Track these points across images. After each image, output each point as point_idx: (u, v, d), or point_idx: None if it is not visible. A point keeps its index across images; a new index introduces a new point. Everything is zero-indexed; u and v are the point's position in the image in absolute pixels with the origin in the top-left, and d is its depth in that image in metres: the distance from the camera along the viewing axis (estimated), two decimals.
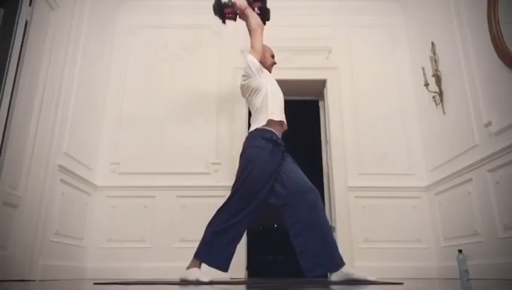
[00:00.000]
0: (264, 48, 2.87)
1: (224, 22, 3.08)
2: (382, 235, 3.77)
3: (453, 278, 3.21)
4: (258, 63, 2.72)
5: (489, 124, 2.92)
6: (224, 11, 2.97)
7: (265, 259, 6.49)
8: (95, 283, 2.23)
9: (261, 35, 2.80)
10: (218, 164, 3.99)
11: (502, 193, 2.79)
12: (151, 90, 4.22)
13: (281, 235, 6.33)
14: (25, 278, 2.76)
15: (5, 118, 2.65)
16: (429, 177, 3.85)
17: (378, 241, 3.75)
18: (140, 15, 4.46)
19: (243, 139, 4.04)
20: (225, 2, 2.95)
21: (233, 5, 2.90)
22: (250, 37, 2.84)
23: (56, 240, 3.12)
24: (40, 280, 2.80)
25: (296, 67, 4.32)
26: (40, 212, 2.93)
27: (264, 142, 2.55)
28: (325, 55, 4.39)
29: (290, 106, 5.36)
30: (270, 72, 2.95)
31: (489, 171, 2.92)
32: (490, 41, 2.88)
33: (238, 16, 3.00)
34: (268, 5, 3.05)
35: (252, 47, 2.79)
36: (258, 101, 2.69)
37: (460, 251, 2.71)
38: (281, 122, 2.71)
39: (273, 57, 3.02)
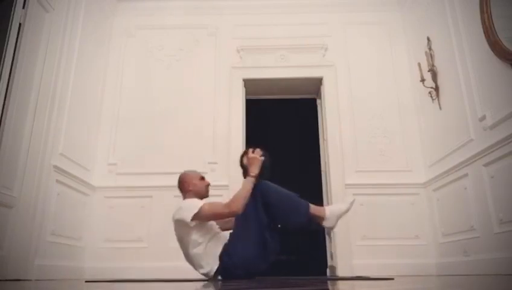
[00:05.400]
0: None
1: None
2: (380, 233, 3.74)
3: (450, 275, 3.18)
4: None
5: (483, 118, 2.89)
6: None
7: None
8: (86, 281, 2.24)
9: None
10: (215, 163, 4.00)
11: (497, 187, 2.76)
12: (148, 90, 4.24)
13: (285, 235, 6.30)
14: (21, 278, 2.78)
15: None
16: (427, 173, 3.82)
17: (376, 238, 3.73)
18: (137, 16, 4.49)
19: (240, 138, 4.09)
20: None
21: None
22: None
23: (52, 240, 3.15)
24: (35, 280, 2.83)
25: (292, 66, 4.32)
26: (35, 213, 2.95)
27: None
28: (321, 53, 4.38)
29: (288, 105, 5.41)
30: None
31: (485, 165, 2.89)
32: (483, 34, 2.85)
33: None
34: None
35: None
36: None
37: None
38: None
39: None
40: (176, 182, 3.82)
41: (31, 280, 2.79)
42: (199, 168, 3.93)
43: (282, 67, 4.36)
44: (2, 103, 2.70)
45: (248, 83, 4.37)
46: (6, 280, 2.64)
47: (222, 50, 4.40)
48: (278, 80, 4.41)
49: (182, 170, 3.91)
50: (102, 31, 4.18)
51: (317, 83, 4.41)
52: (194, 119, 4.16)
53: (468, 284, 1.54)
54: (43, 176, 3.04)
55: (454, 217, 3.33)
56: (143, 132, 4.09)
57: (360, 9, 4.48)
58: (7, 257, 2.74)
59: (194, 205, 2.37)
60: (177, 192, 3.83)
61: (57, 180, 3.22)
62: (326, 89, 4.29)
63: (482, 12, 2.87)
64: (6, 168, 2.74)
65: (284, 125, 6.15)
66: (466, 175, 3.13)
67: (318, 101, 4.63)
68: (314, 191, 5.02)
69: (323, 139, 4.37)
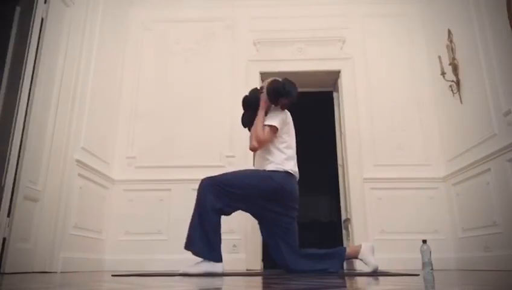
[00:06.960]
0: None
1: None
2: (398, 227, 3.73)
3: (470, 270, 3.17)
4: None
5: (508, 112, 2.85)
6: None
7: None
8: (112, 275, 2.28)
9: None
10: (233, 156, 4.01)
11: None
12: (165, 83, 4.25)
13: (303, 230, 6.31)
14: (47, 270, 2.84)
15: (24, 114, 2.71)
16: (446, 167, 3.79)
17: (394, 232, 3.73)
18: (154, 9, 4.48)
19: None
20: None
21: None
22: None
23: (75, 233, 3.19)
24: (61, 272, 2.88)
25: (309, 59, 4.30)
26: (59, 206, 3.00)
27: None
28: (339, 46, 4.34)
29: (304, 98, 5.38)
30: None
31: (509, 161, 2.86)
32: (509, 27, 2.80)
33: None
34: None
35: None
36: None
37: (424, 241, 2.70)
38: None
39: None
40: (194, 176, 3.87)
41: (56, 272, 2.84)
42: (217, 161, 3.98)
43: (299, 60, 4.33)
44: (26, 99, 2.73)
45: (265, 76, 4.34)
46: (34, 272, 2.69)
47: (239, 43, 4.38)
48: (294, 73, 4.35)
49: (199, 164, 3.96)
50: (119, 25, 4.18)
51: (335, 76, 4.38)
52: (211, 112, 4.16)
53: (489, 279, 1.54)
54: (66, 169, 3.07)
55: (475, 212, 3.31)
56: (161, 125, 4.11)
57: (378, 1, 4.42)
58: (33, 250, 2.80)
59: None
60: (196, 185, 3.87)
61: (79, 174, 3.25)
62: (344, 82, 4.26)
63: (508, 3, 2.82)
64: (32, 163, 2.78)
65: (299, 118, 6.13)
66: (489, 170, 3.10)
67: (335, 94, 4.60)
68: (331, 185, 5.02)
69: (340, 132, 4.35)
